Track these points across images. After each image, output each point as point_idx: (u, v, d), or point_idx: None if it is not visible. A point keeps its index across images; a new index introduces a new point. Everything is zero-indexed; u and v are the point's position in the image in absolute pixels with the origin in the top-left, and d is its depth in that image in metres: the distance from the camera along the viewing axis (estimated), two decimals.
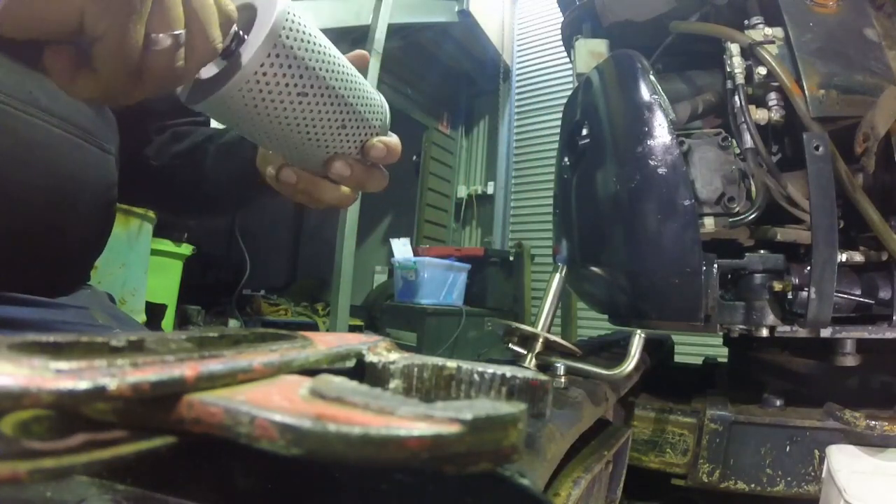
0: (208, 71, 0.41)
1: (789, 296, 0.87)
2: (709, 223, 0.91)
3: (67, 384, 0.14)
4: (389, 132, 0.52)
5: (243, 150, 0.63)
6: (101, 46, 0.33)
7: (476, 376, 0.23)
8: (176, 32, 0.34)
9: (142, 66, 0.35)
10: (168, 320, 2.24)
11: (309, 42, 0.41)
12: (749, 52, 0.97)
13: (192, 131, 0.73)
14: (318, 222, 4.85)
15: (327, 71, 0.43)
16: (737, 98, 0.97)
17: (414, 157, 4.64)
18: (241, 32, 0.40)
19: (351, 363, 0.25)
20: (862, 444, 0.82)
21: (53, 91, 0.52)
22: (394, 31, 3.36)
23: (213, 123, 0.74)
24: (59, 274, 0.60)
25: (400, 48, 3.85)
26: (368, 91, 0.49)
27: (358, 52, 0.51)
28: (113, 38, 0.32)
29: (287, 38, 0.40)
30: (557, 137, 1.35)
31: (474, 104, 4.97)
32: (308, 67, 0.41)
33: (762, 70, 0.95)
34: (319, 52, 0.42)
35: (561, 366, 0.60)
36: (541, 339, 0.61)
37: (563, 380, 0.59)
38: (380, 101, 0.51)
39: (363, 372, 0.25)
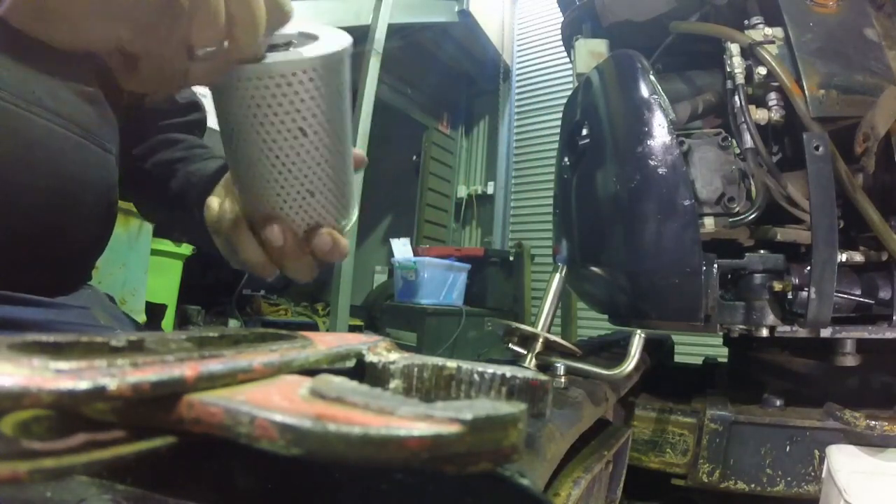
0: None
1: (789, 296, 0.87)
2: (709, 223, 0.91)
3: (67, 384, 0.14)
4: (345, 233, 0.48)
5: (201, 184, 0.60)
6: (143, 63, 0.36)
7: (476, 376, 0.23)
8: (216, 44, 0.36)
9: (185, 69, 0.37)
10: (168, 320, 2.24)
11: (341, 93, 0.41)
12: (749, 52, 0.97)
13: (181, 140, 0.71)
14: None
15: (336, 132, 0.41)
16: (737, 98, 0.97)
17: (414, 157, 4.64)
18: (294, 42, 0.40)
19: (351, 363, 0.25)
20: (862, 444, 0.82)
21: (55, 90, 0.52)
22: (394, 31, 3.36)
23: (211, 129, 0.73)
24: (60, 274, 0.60)
25: (400, 48, 3.85)
26: (352, 184, 0.46)
27: (356, 151, 0.49)
28: (152, 57, 0.35)
29: (330, 73, 0.39)
30: (557, 137, 1.35)
31: (474, 104, 4.97)
32: (324, 112, 0.40)
33: (762, 70, 0.95)
34: (341, 110, 0.41)
35: (561, 366, 0.60)
36: (541, 339, 0.62)
37: (563, 380, 0.59)
38: (353, 203, 0.48)
39: (363, 372, 0.25)
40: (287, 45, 0.40)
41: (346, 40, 0.40)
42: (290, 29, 0.41)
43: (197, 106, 0.75)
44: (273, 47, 0.40)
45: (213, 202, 0.50)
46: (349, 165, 0.45)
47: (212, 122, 0.63)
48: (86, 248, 0.63)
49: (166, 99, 0.69)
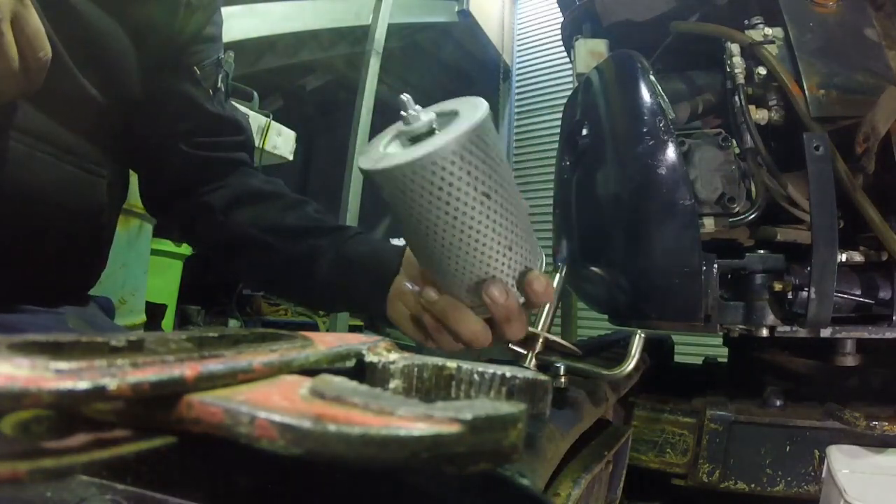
0: (396, 150, 0.42)
1: (789, 296, 0.87)
2: (709, 223, 0.91)
3: (67, 384, 0.14)
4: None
5: (372, 292, 0.58)
6: None
7: (476, 376, 0.23)
8: None
9: None
10: (168, 320, 2.24)
11: (497, 147, 0.43)
12: (749, 52, 0.97)
13: (276, 194, 0.67)
14: None
15: (506, 182, 0.43)
16: (737, 98, 0.97)
17: None
18: (434, 127, 0.42)
19: (351, 363, 0.25)
20: (862, 444, 0.82)
21: (31, 109, 0.51)
22: (394, 31, 3.36)
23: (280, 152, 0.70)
24: (40, 291, 0.57)
25: (400, 48, 3.85)
26: (531, 227, 0.47)
27: None
28: None
29: (484, 134, 0.41)
30: (557, 137, 1.35)
31: None
32: (492, 168, 0.41)
33: (762, 70, 0.95)
34: (502, 160, 0.43)
35: (561, 366, 0.60)
36: (541, 339, 0.61)
37: (563, 380, 0.59)
38: (538, 246, 0.49)
39: (363, 372, 0.25)
40: (427, 127, 0.42)
41: (482, 105, 0.42)
42: (426, 114, 0.42)
43: (240, 127, 0.71)
44: (423, 136, 0.42)
45: (407, 286, 0.51)
46: (525, 210, 0.46)
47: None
48: (70, 268, 0.60)
49: (185, 115, 0.66)
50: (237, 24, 2.70)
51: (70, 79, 0.53)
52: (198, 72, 0.65)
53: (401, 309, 0.56)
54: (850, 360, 0.90)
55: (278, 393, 0.18)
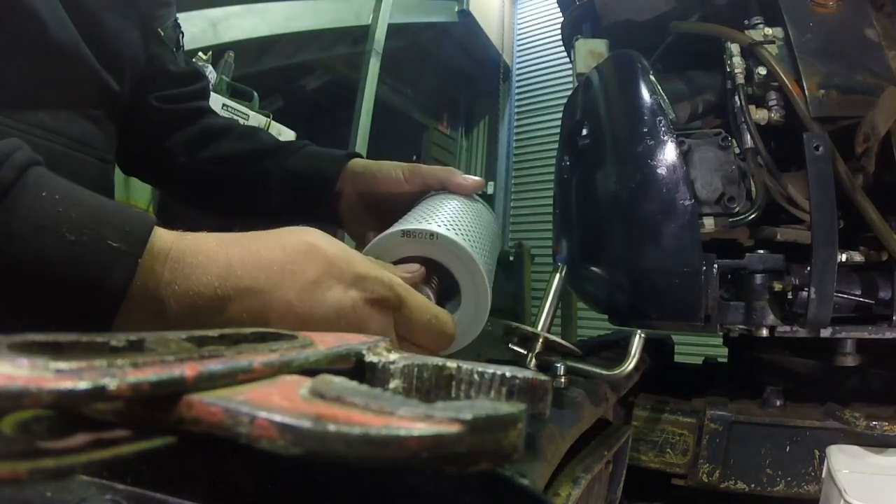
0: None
1: (789, 296, 0.87)
2: (709, 223, 0.91)
3: (67, 384, 0.14)
4: None
5: (317, 204, 0.63)
6: None
7: (476, 376, 0.23)
8: None
9: None
10: None
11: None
12: (749, 52, 0.97)
13: (229, 127, 0.72)
14: None
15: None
16: (737, 98, 0.97)
17: (414, 158, 4.64)
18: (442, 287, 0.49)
19: (351, 363, 0.25)
20: (862, 444, 0.82)
21: (59, 110, 0.53)
22: (394, 31, 3.36)
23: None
24: None
25: (400, 48, 3.85)
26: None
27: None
28: None
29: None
30: (557, 137, 1.35)
31: (474, 104, 4.97)
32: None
33: (762, 70, 0.95)
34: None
35: (561, 366, 0.60)
36: (541, 339, 0.61)
37: (563, 380, 0.59)
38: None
39: (363, 372, 0.25)
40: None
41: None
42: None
43: (198, 75, 0.76)
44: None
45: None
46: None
47: None
48: None
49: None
50: (237, 24, 2.70)
51: (92, 73, 0.55)
52: (162, 33, 0.69)
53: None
54: (850, 360, 0.90)
55: (278, 393, 0.18)
